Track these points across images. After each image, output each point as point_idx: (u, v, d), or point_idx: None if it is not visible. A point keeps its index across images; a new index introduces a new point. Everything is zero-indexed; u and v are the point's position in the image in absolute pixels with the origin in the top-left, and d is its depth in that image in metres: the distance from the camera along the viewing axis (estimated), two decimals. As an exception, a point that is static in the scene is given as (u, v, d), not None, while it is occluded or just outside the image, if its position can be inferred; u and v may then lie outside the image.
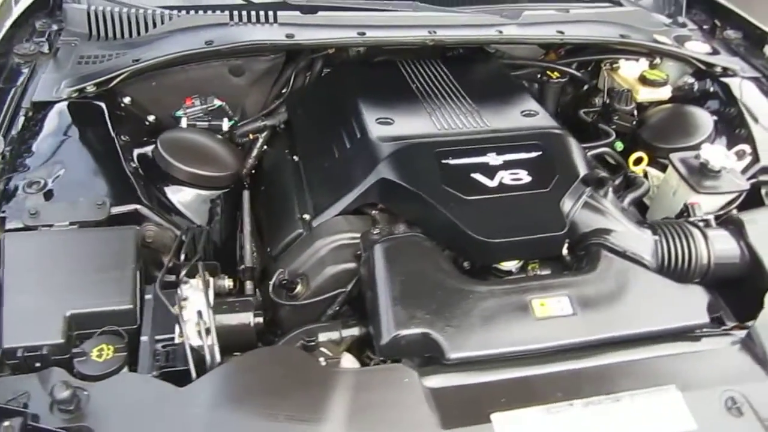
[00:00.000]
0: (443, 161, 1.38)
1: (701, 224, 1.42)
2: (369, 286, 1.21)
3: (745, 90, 1.87)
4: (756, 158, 1.66)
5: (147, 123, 1.66)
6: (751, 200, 1.60)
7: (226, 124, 1.63)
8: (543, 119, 1.59)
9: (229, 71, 1.75)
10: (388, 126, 1.52)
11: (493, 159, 1.40)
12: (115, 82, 1.56)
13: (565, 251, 1.33)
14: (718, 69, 1.92)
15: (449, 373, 1.09)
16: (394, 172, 1.38)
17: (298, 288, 1.34)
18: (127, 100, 1.63)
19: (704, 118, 1.78)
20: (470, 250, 1.29)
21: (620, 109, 1.82)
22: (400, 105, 1.63)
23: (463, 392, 1.07)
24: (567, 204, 1.35)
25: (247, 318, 1.19)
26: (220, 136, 1.64)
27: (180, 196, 1.49)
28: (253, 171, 1.80)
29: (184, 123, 1.61)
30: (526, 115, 1.61)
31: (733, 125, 1.77)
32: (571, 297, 1.19)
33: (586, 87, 2.04)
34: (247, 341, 1.19)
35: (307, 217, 1.45)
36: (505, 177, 1.37)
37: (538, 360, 1.11)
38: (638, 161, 1.72)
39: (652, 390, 1.08)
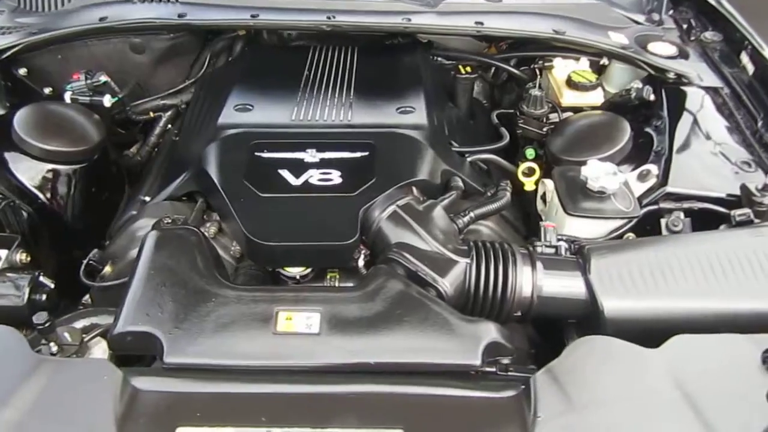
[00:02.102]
0: (256, 154, 1.30)
1: (542, 251, 1.23)
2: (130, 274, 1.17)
3: (692, 101, 1.60)
4: (664, 181, 1.41)
5: (44, 95, 1.71)
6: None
7: (108, 101, 1.64)
8: (414, 117, 1.45)
9: (130, 48, 1.76)
10: (243, 113, 1.47)
11: (310, 156, 1.30)
12: (8, 53, 1.62)
13: (362, 262, 1.21)
14: (671, 75, 1.65)
15: (161, 377, 1.03)
16: (208, 161, 1.33)
17: (106, 269, 1.32)
18: (22, 71, 1.69)
19: (620, 131, 1.53)
20: (248, 251, 1.21)
21: (528, 112, 1.61)
22: (272, 92, 1.57)
23: (164, 399, 0.99)
24: (376, 212, 1.23)
25: (19, 293, 1.20)
26: (82, 109, 1.62)
27: (34, 171, 1.49)
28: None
29: (67, 97, 1.64)
30: (402, 111, 1.48)
31: (655, 142, 1.52)
32: (324, 314, 1.07)
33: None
34: (18, 316, 1.19)
35: (147, 199, 1.44)
36: (314, 176, 1.26)
37: (257, 378, 1.02)
38: (530, 172, 1.52)
39: (372, 430, 0.96)
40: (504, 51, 1.88)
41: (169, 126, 1.81)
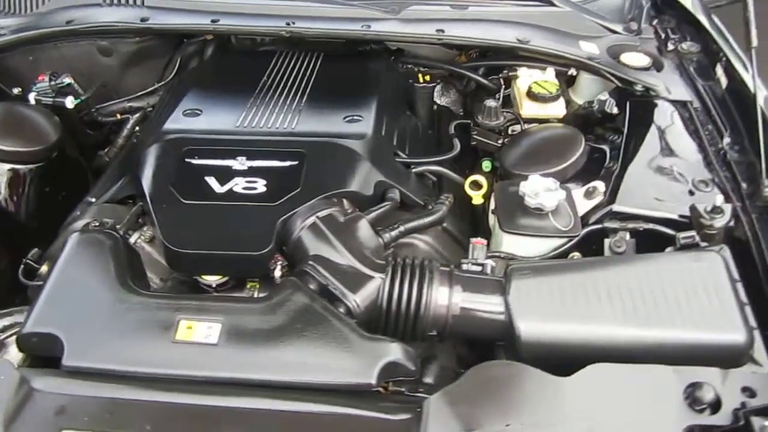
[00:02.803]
0: (186, 160, 1.30)
1: (468, 268, 1.20)
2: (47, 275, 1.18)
3: (657, 115, 1.53)
4: (612, 199, 1.35)
5: (12, 95, 1.75)
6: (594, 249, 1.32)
7: (70, 102, 1.67)
8: (358, 126, 1.43)
9: (98, 50, 1.79)
10: (190, 118, 1.48)
11: (239, 163, 1.29)
12: None
13: (278, 273, 1.19)
14: (639, 87, 1.58)
15: (56, 379, 1.03)
16: (143, 165, 1.33)
17: (42, 268, 1.34)
18: None
19: (573, 145, 1.47)
20: (166, 257, 1.21)
21: (483, 123, 1.57)
22: (225, 97, 1.57)
23: (55, 401, 0.99)
24: (296, 222, 1.21)
25: None
26: (42, 109, 1.66)
27: None
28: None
29: (32, 98, 1.68)
30: (348, 120, 1.46)
31: (608, 157, 1.46)
32: (225, 325, 1.06)
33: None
34: None
35: (93, 200, 1.45)
36: (239, 184, 1.25)
37: (148, 386, 1.01)
38: (477, 186, 1.48)
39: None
40: (473, 60, 1.83)
41: (137, 128, 1.83)
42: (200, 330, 1.06)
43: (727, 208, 1.26)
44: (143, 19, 1.66)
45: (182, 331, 1.06)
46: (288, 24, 1.62)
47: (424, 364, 1.25)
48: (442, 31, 1.62)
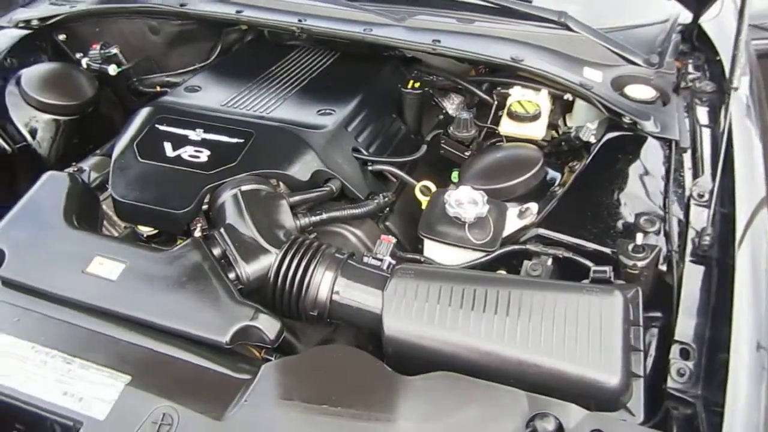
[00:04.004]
0: (156, 125, 1.46)
1: (368, 261, 1.24)
2: None
3: (638, 151, 1.46)
4: (542, 223, 1.32)
5: (74, 59, 2.04)
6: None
7: (113, 70, 1.91)
8: (324, 119, 1.52)
9: (148, 29, 2.03)
10: (187, 92, 1.65)
11: (195, 134, 1.43)
12: (50, 21, 1.97)
13: (198, 233, 1.31)
14: (627, 120, 1.52)
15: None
16: (126, 126, 1.52)
17: None
18: (62, 37, 2.02)
19: (526, 165, 1.45)
20: (113, 204, 1.37)
21: (452, 134, 1.58)
22: (227, 80, 1.73)
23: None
24: (223, 192, 1.32)
25: None
26: (84, 71, 1.92)
27: (27, 117, 1.78)
28: None
29: (84, 63, 1.95)
30: (321, 113, 1.56)
31: (557, 181, 1.42)
32: (128, 266, 1.19)
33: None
34: None
35: (98, 152, 1.67)
36: (188, 152, 1.39)
37: (53, 304, 1.17)
38: (427, 191, 1.50)
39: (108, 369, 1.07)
40: (481, 75, 1.85)
41: None
42: (107, 267, 1.21)
43: (655, 250, 1.19)
44: (182, 4, 1.87)
45: (94, 265, 1.22)
46: (300, 21, 1.75)
47: (321, 344, 1.31)
48: (438, 41, 1.66)
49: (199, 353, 1.10)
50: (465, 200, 1.30)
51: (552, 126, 1.68)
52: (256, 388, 1.03)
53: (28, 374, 1.08)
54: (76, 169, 1.47)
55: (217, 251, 1.23)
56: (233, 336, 1.09)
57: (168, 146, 1.41)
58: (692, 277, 1.18)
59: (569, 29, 1.75)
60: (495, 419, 0.99)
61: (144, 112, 1.53)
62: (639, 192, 1.37)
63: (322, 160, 1.42)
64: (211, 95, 1.64)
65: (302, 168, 1.39)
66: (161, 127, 1.46)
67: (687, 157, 1.45)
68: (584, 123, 1.63)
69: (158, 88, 2.05)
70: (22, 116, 1.77)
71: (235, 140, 1.41)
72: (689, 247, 1.24)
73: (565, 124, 1.73)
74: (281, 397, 1.01)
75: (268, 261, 1.21)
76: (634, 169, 1.42)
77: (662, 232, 1.27)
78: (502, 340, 1.08)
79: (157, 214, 1.30)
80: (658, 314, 1.23)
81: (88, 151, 1.86)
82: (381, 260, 1.25)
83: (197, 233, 1.30)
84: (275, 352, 1.23)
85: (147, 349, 1.11)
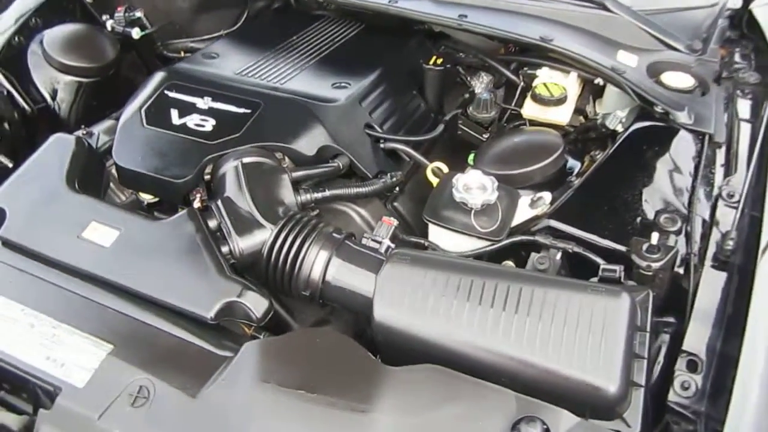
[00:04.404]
0: (165, 91, 1.44)
1: (367, 243, 1.19)
2: None
3: (668, 143, 1.36)
4: (555, 214, 1.25)
5: (101, 21, 2.03)
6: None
7: (136, 33, 1.89)
8: (337, 93, 1.47)
9: None
10: (205, 59, 1.63)
11: (203, 103, 1.40)
12: None
13: (197, 204, 1.28)
14: (658, 109, 1.42)
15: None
16: (137, 90, 1.50)
17: None
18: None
19: (546, 151, 1.36)
20: (116, 169, 1.35)
21: (471, 115, 1.50)
22: (246, 48, 1.69)
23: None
24: (225, 163, 1.29)
25: None
26: (107, 33, 1.90)
27: (48, 78, 1.77)
28: None
29: (108, 25, 1.93)
30: (336, 86, 1.51)
31: (575, 171, 1.33)
32: (122, 233, 1.18)
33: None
34: None
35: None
36: (194, 120, 1.36)
37: (45, 266, 1.17)
38: (439, 173, 1.43)
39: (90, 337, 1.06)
40: (511, 54, 1.75)
41: None
42: (102, 233, 1.20)
43: (671, 251, 1.11)
44: None
45: (89, 230, 1.21)
46: (390, 1, 1.67)
47: (315, 326, 1.28)
48: (465, 16, 1.58)
49: (184, 327, 1.08)
50: (474, 185, 1.24)
51: (580, 112, 1.59)
52: (234, 367, 1.00)
53: (15, 336, 1.08)
54: (85, 132, 1.46)
55: (213, 223, 1.20)
56: (218, 312, 1.07)
57: (174, 113, 1.38)
58: (710, 283, 1.10)
59: (606, 9, 1.64)
60: (478, 419, 0.94)
61: (156, 78, 1.50)
62: (663, 188, 1.27)
63: (331, 135, 1.37)
64: (227, 63, 1.60)
65: (309, 142, 1.35)
66: (170, 94, 1.43)
67: (721, 154, 1.35)
68: (614, 110, 1.54)
69: (182, 54, 2.03)
70: (43, 77, 1.77)
71: (242, 110, 1.37)
72: (711, 251, 1.15)
73: (595, 111, 1.63)
74: (258, 378, 0.98)
75: (262, 236, 1.18)
76: (661, 163, 1.32)
77: (683, 233, 1.19)
78: (496, 336, 1.03)
79: (156, 182, 1.28)
80: (672, 320, 1.15)
81: (108, 114, 1.87)
82: (380, 243, 1.20)
83: (196, 204, 1.28)
84: (266, 330, 1.20)
85: (133, 319, 1.09)
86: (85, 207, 1.25)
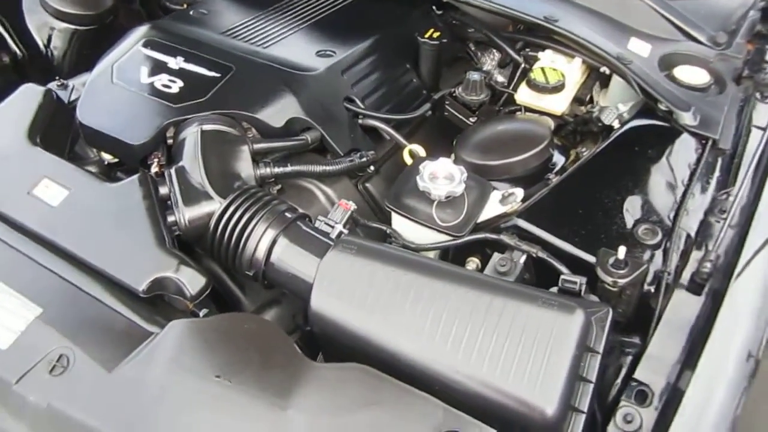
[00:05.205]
0: (140, 47, 1.38)
1: (320, 225, 1.13)
2: None
3: (666, 145, 1.24)
4: (524, 213, 1.15)
5: None
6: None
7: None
8: (318, 62, 1.39)
9: None
10: (192, 16, 1.56)
11: (175, 62, 1.34)
12: None
13: (155, 169, 1.23)
14: (662, 107, 1.29)
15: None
16: (115, 44, 1.45)
17: None
18: None
19: (531, 143, 1.26)
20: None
21: (459, 96, 1.40)
22: (238, 9, 1.62)
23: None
24: (186, 129, 1.23)
25: None
26: None
27: (43, 24, 1.74)
28: None
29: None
30: (319, 54, 1.43)
31: (555, 168, 1.23)
32: (72, 193, 1.14)
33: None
34: None
35: None
36: (162, 81, 1.31)
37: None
38: (416, 155, 1.34)
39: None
40: (519, 31, 1.63)
41: None
42: (52, 191, 1.16)
43: (640, 268, 1.01)
44: None
45: (40, 187, 1.17)
46: None
47: (265, 306, 1.23)
48: None
49: (118, 297, 1.04)
50: (441, 174, 1.16)
51: (581, 102, 1.47)
52: (154, 345, 0.96)
53: (-52, 290, 1.06)
54: (60, 84, 1.42)
55: (164, 191, 1.16)
56: (150, 285, 1.03)
57: (144, 71, 1.33)
58: (678, 307, 1.00)
59: (625, -9, 1.50)
60: (398, 427, 0.89)
61: (136, 32, 1.45)
62: (650, 195, 1.16)
63: (302, 107, 1.30)
64: (215, 21, 1.54)
65: (276, 113, 1.28)
66: (144, 50, 1.38)
67: (724, 162, 1.23)
68: (617, 103, 1.42)
69: (185, 6, 1.97)
70: (37, 22, 1.74)
71: (211, 74, 1.31)
72: (689, 271, 1.04)
73: (595, 102, 1.50)
74: (174, 360, 0.94)
75: (210, 209, 1.12)
76: (653, 167, 1.21)
77: (662, 247, 1.08)
78: (432, 341, 0.96)
79: (114, 142, 1.24)
80: (637, 341, 1.06)
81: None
82: (332, 227, 1.13)
83: (154, 168, 1.23)
84: (212, 307, 1.16)
85: (68, 283, 1.06)
86: (41, 162, 1.21)
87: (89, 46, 1.80)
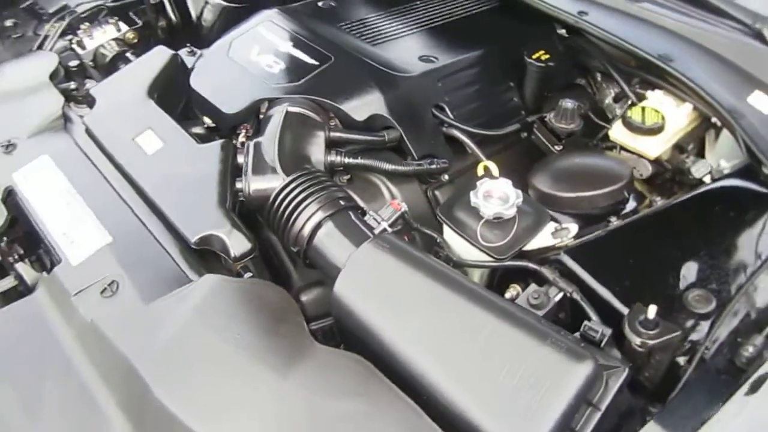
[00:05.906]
0: (260, 28, 1.51)
1: (369, 220, 1.17)
2: None
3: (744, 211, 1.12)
4: (572, 249, 1.10)
5: None
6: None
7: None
8: (418, 66, 1.43)
9: None
10: (323, 6, 1.67)
11: (284, 46, 1.45)
12: None
13: (242, 138, 1.34)
14: (766, 170, 1.17)
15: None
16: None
17: None
18: None
19: (601, 182, 1.19)
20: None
21: (549, 123, 1.35)
22: (364, 4, 1.69)
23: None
24: (274, 107, 1.33)
25: None
26: None
27: (203, 2, 1.92)
28: None
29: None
30: (422, 59, 1.46)
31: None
32: (165, 148, 1.28)
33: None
34: None
35: None
36: (267, 60, 1.42)
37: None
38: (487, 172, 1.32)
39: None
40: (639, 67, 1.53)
41: None
42: (151, 141, 1.32)
43: (671, 334, 0.93)
44: None
45: (143, 137, 1.33)
46: None
47: (312, 284, 1.30)
48: (586, 13, 1.42)
49: (174, 243, 1.17)
50: (495, 194, 1.14)
51: (682, 150, 1.36)
52: (188, 292, 1.07)
53: (53, 208, 1.25)
54: (189, 50, 1.60)
55: (241, 159, 1.26)
56: (201, 239, 1.14)
57: (255, 50, 1.45)
58: (700, 387, 0.91)
59: (763, 40, 1.36)
60: (371, 423, 0.91)
61: (263, 14, 1.58)
62: (717, 261, 1.06)
63: (387, 105, 1.34)
64: (337, 14, 1.63)
65: (360, 107, 1.33)
66: (262, 31, 1.50)
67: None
68: (721, 158, 1.30)
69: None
70: None
71: (311, 61, 1.39)
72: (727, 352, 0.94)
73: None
74: (198, 309, 1.03)
75: (274, 183, 1.20)
76: (729, 233, 1.10)
77: (710, 318, 0.99)
78: (430, 352, 0.96)
79: (213, 108, 1.37)
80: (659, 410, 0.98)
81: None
82: (379, 222, 1.17)
83: (241, 138, 1.35)
84: (261, 275, 1.24)
85: (141, 223, 1.21)
86: (151, 115, 1.38)
87: (234, 23, 1.98)
